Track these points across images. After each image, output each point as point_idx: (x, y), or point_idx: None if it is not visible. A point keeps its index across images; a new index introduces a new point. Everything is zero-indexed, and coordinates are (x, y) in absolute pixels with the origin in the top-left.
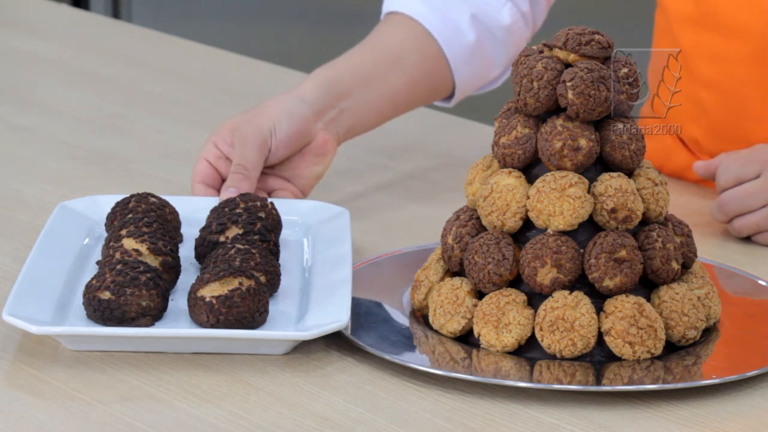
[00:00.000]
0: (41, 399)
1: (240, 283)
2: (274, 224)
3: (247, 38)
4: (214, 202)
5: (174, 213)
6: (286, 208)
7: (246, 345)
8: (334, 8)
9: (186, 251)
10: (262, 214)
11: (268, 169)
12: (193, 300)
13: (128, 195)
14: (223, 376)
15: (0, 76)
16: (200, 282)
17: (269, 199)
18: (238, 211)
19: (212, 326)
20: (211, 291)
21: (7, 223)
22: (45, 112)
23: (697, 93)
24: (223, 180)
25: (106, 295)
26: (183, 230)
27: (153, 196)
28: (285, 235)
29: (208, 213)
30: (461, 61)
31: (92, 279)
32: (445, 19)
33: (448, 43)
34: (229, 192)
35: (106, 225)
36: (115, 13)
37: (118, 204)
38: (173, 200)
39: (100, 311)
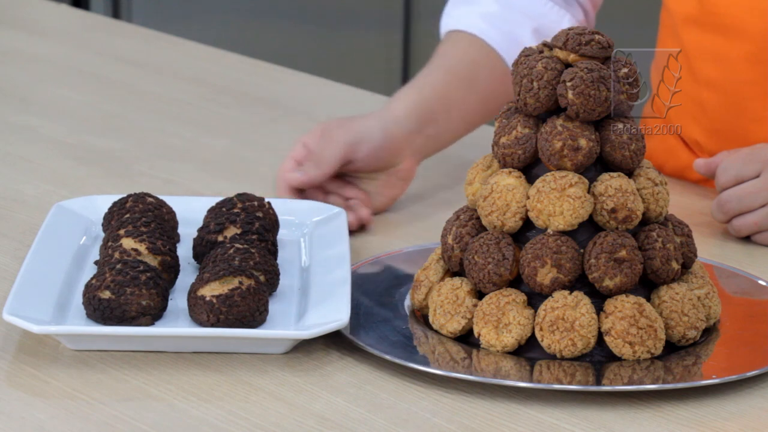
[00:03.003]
0: (41, 399)
1: (240, 283)
2: (271, 224)
3: (247, 38)
4: (211, 203)
5: (171, 213)
6: (283, 207)
7: (246, 344)
8: (334, 8)
9: (183, 251)
10: (259, 214)
11: (355, 178)
12: (193, 299)
13: (125, 195)
14: (223, 376)
15: (0, 76)
16: (200, 281)
17: (266, 199)
18: (235, 210)
19: (212, 325)
20: (212, 290)
21: (7, 223)
22: (45, 112)
23: (699, 93)
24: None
25: (106, 294)
26: (180, 230)
27: (150, 196)
28: (282, 234)
29: (205, 213)
30: None
31: (92, 278)
32: (508, 35)
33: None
34: (295, 174)
35: (103, 225)
36: (115, 13)
37: (115, 204)
38: (171, 200)
39: (100, 310)
